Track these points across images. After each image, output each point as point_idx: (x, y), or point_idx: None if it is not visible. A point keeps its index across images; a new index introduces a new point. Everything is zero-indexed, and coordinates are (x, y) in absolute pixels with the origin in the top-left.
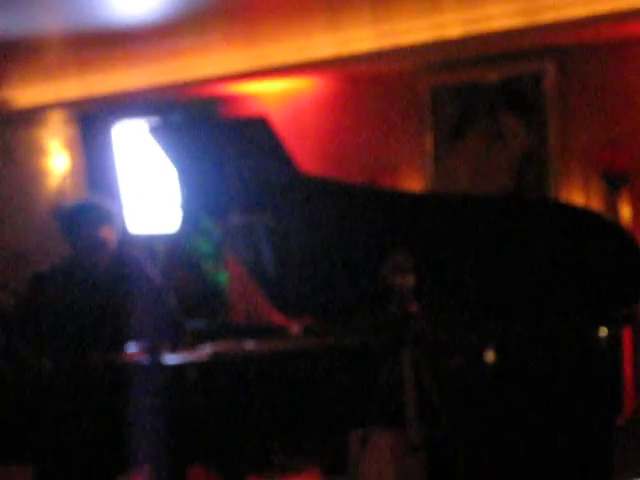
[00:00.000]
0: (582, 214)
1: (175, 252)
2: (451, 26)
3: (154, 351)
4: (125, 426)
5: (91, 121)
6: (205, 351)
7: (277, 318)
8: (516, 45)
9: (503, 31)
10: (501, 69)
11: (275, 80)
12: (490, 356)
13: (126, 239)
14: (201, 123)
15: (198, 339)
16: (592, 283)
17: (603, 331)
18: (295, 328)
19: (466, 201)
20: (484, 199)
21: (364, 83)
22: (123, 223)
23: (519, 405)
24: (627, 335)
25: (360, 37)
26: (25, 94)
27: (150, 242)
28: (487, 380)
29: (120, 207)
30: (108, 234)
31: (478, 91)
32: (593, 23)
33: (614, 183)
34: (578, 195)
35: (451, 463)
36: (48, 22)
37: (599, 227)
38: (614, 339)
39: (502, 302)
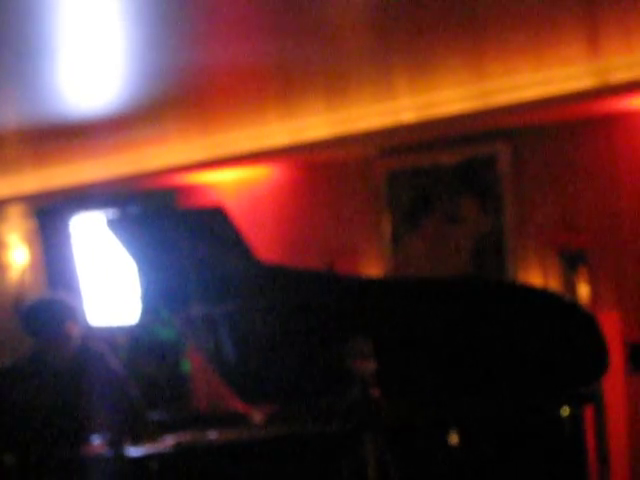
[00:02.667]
0: (540, 295)
1: (137, 343)
2: (405, 111)
3: (116, 443)
4: None
5: (49, 214)
6: (168, 442)
7: (239, 406)
8: (469, 128)
9: (456, 115)
10: (455, 152)
11: (231, 169)
12: (453, 438)
13: (88, 332)
14: (158, 214)
15: (161, 430)
16: (553, 363)
17: (565, 410)
18: (257, 416)
19: (424, 284)
20: (442, 282)
21: (320, 170)
22: (84, 317)
23: None
24: (589, 413)
25: (314, 124)
26: None
27: (111, 334)
28: (451, 462)
29: (80, 300)
30: (71, 329)
31: (433, 174)
32: (543, 105)
33: (571, 262)
34: (536, 275)
35: None
36: (3, 116)
37: (558, 307)
38: (576, 418)
39: (464, 383)
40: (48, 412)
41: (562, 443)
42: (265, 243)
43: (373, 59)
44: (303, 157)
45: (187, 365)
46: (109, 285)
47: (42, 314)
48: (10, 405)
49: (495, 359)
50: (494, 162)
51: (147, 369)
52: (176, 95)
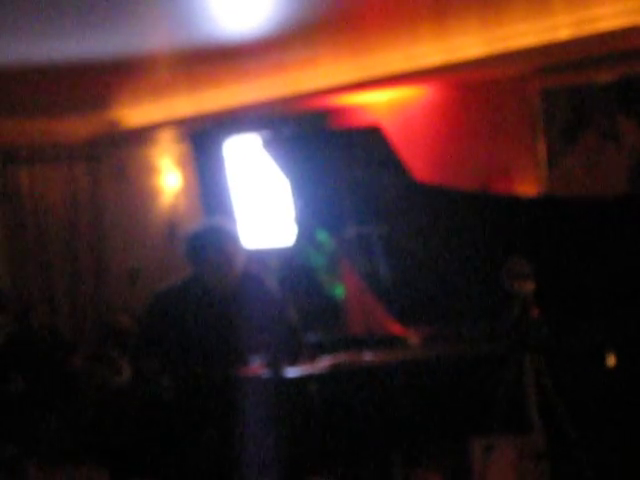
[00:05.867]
0: None
1: (290, 266)
2: (561, 28)
3: (275, 365)
4: (247, 439)
5: (202, 138)
6: (325, 363)
7: (395, 328)
8: (628, 45)
9: (614, 31)
10: (613, 69)
11: (384, 90)
12: (611, 360)
13: (247, 258)
14: (313, 135)
15: (317, 352)
16: None
17: None
18: (414, 338)
19: (582, 204)
20: (599, 201)
21: (474, 89)
22: (243, 242)
23: None
24: None
25: (468, 43)
26: (135, 113)
27: (265, 257)
28: (609, 384)
29: (236, 225)
30: (232, 256)
31: (590, 92)
32: None
33: None
34: None
35: (576, 470)
36: (155, 41)
37: None
38: None
39: (622, 305)
40: (206, 334)
41: None
42: (419, 164)
43: None
44: (457, 76)
45: (340, 289)
46: (263, 208)
47: (205, 241)
48: (169, 325)
49: None
50: None
51: (301, 292)
52: (328, 16)
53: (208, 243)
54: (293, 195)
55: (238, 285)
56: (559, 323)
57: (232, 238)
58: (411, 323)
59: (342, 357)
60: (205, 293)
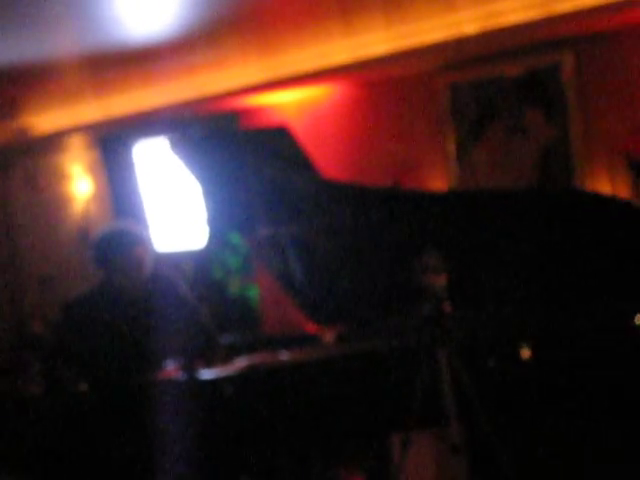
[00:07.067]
0: (609, 202)
1: (203, 268)
2: (466, 23)
3: (189, 367)
4: (164, 443)
5: (112, 143)
6: (240, 364)
7: (310, 327)
8: (532, 38)
9: (518, 24)
10: (519, 63)
11: (292, 89)
12: (525, 352)
13: (157, 260)
14: (222, 135)
15: (233, 353)
16: (624, 271)
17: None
18: (328, 336)
19: (491, 197)
20: (509, 194)
21: (382, 86)
22: (153, 244)
23: (558, 400)
24: None
25: (375, 40)
26: (44, 120)
27: (178, 259)
28: (524, 377)
29: (148, 228)
30: (141, 257)
31: (497, 86)
32: (608, 11)
33: None
34: (604, 184)
35: (493, 463)
36: (62, 46)
37: (629, 214)
38: None
39: (534, 296)
40: (120, 340)
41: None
42: (330, 162)
43: None
44: (364, 74)
45: (254, 290)
46: (175, 211)
47: (111, 244)
48: (83, 335)
49: (566, 269)
50: (558, 72)
51: (214, 294)
52: (235, 16)
53: (114, 246)
54: (204, 197)
55: (148, 288)
56: (473, 317)
57: (138, 240)
58: (326, 321)
59: (258, 357)
60: (115, 298)
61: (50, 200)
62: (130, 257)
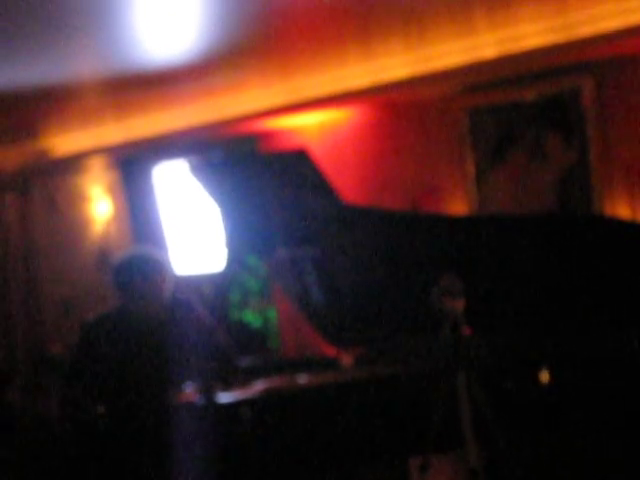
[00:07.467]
0: (628, 227)
1: (220, 291)
2: (485, 47)
3: (208, 391)
4: (181, 466)
5: (132, 165)
6: (258, 388)
7: (328, 350)
8: (552, 62)
9: (538, 49)
10: (538, 87)
11: (312, 112)
12: (544, 376)
13: (175, 282)
14: (242, 159)
15: (251, 376)
16: None
17: None
18: (346, 359)
19: (511, 221)
20: (529, 219)
21: (401, 109)
22: (172, 269)
23: (577, 423)
24: None
25: (394, 64)
26: (64, 142)
27: (197, 282)
28: (543, 400)
29: (167, 252)
30: (161, 282)
31: (516, 110)
32: (627, 35)
33: None
34: (624, 208)
35: None
36: (83, 68)
37: None
38: None
39: (553, 322)
40: (138, 363)
41: None
42: (349, 185)
43: None
44: (384, 98)
45: (272, 313)
46: (194, 234)
47: (132, 269)
48: (100, 356)
49: (585, 294)
50: (578, 96)
51: (234, 316)
52: (255, 40)
53: (134, 271)
54: (222, 219)
55: (167, 311)
56: (493, 341)
57: (158, 265)
58: (344, 344)
59: (275, 381)
60: (133, 321)
61: (70, 221)
62: (150, 283)
